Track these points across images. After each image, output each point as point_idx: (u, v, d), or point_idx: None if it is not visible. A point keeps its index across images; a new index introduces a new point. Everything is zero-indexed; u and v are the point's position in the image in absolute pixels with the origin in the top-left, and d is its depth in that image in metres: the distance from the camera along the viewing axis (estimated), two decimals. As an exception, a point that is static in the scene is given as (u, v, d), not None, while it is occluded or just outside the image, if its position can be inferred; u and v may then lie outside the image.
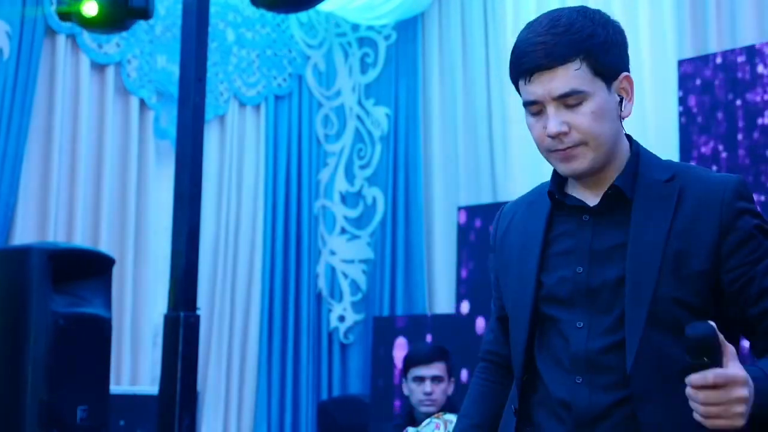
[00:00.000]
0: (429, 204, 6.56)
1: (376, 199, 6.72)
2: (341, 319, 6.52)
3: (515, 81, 1.70)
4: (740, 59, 4.64)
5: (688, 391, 1.40)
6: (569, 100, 1.62)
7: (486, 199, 6.03)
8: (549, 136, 1.64)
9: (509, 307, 1.80)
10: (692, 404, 1.41)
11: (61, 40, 5.40)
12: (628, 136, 1.75)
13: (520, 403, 1.74)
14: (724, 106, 4.68)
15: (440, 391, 3.89)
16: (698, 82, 4.77)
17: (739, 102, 4.62)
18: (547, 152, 1.69)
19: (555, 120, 1.62)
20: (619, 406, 1.63)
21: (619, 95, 1.68)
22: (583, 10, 1.68)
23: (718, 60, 4.71)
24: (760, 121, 4.57)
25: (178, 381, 3.44)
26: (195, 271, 3.61)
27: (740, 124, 4.63)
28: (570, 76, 1.61)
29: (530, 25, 1.71)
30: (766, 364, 1.55)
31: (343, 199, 6.71)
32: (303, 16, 6.52)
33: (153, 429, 3.84)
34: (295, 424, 6.20)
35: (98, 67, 5.62)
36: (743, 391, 1.39)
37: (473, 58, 6.36)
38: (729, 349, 1.41)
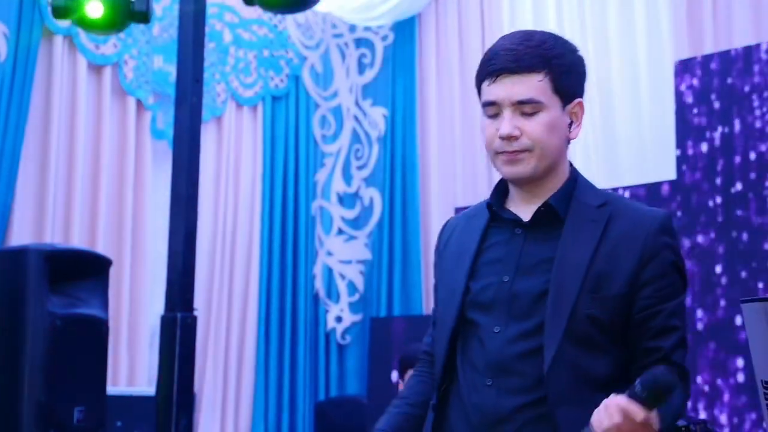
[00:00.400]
0: (426, 205, 6.57)
1: (373, 199, 6.72)
2: (338, 319, 6.52)
3: (479, 82, 1.80)
4: (737, 59, 4.64)
5: (617, 418, 1.52)
6: (526, 107, 1.72)
7: (483, 199, 6.04)
8: (500, 137, 1.73)
9: (439, 312, 1.88)
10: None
11: (58, 40, 5.40)
12: (570, 163, 1.85)
13: (439, 402, 1.81)
14: (720, 107, 4.69)
15: None
16: (695, 82, 4.77)
17: (735, 102, 4.63)
18: (494, 154, 1.78)
19: (509, 123, 1.72)
20: (524, 410, 1.69)
21: (570, 118, 1.78)
22: (556, 35, 1.80)
23: (715, 60, 4.72)
24: (757, 122, 4.58)
25: (175, 382, 3.44)
26: (192, 271, 3.61)
27: (737, 124, 4.63)
28: (533, 85, 1.71)
29: (506, 36, 1.81)
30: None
31: (341, 199, 6.71)
32: (300, 16, 6.52)
33: (150, 430, 3.83)
34: (292, 425, 6.20)
35: (95, 68, 5.62)
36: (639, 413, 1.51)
37: (470, 58, 6.36)
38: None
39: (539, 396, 1.68)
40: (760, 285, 4.45)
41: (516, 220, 1.81)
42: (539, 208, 1.78)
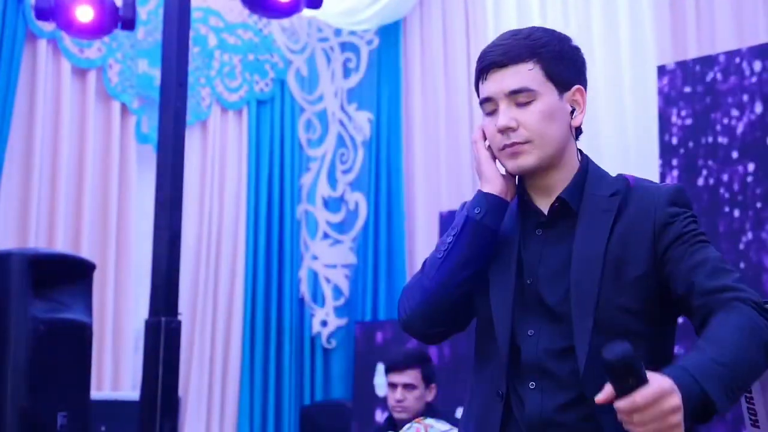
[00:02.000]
0: (411, 209, 6.57)
1: (358, 203, 6.72)
2: (324, 323, 6.51)
3: (477, 85, 1.79)
4: (719, 64, 4.67)
5: (620, 417, 1.42)
6: (520, 97, 1.71)
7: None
8: (499, 131, 1.72)
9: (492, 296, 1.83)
10: (628, 428, 1.42)
11: (42, 44, 5.38)
12: (582, 152, 1.82)
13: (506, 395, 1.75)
14: (703, 112, 4.72)
15: (413, 399, 3.89)
16: (677, 87, 4.80)
17: (717, 107, 4.66)
18: (498, 151, 1.77)
19: (505, 115, 1.71)
20: (567, 410, 1.67)
21: (571, 106, 1.76)
22: (545, 28, 1.79)
23: (698, 65, 4.75)
24: (739, 126, 4.61)
25: (159, 386, 3.43)
26: (176, 276, 3.60)
27: (719, 129, 4.66)
28: (522, 74, 1.71)
29: (497, 37, 1.82)
30: (688, 359, 1.55)
31: (326, 203, 6.71)
32: (285, 21, 6.52)
33: (134, 435, 3.82)
34: (277, 429, 6.19)
35: (79, 72, 5.61)
36: (673, 401, 1.41)
37: (455, 63, 6.38)
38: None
39: (580, 395, 1.65)
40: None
41: (538, 214, 1.78)
42: (553, 204, 1.76)
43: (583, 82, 1.79)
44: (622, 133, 5.45)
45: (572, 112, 1.76)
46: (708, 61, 4.72)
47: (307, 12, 5.87)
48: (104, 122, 5.70)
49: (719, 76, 4.68)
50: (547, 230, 1.77)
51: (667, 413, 1.40)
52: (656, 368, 1.54)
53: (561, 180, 1.77)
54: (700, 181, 4.71)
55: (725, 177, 4.62)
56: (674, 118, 4.82)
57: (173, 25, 3.74)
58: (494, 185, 1.76)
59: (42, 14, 4.12)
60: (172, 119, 3.67)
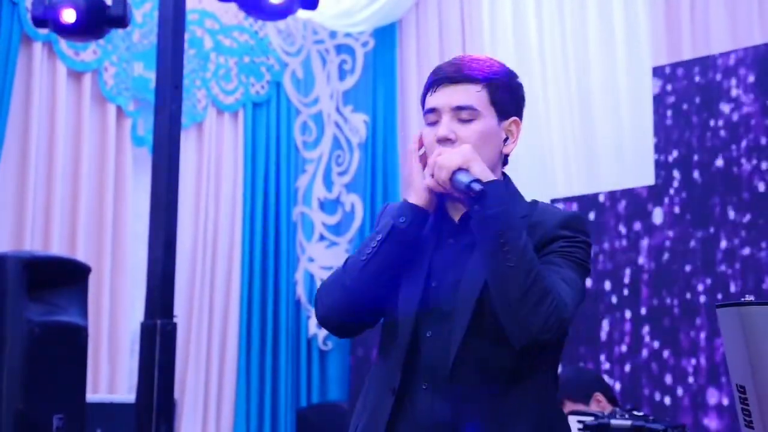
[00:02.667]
0: (407, 210, 6.56)
1: (354, 205, 6.73)
2: (320, 326, 6.50)
3: (424, 96, 1.91)
4: (714, 65, 4.68)
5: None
6: (464, 113, 1.83)
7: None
8: (438, 140, 1.83)
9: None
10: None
11: (38, 47, 5.38)
12: (505, 175, 1.94)
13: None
14: (698, 113, 4.73)
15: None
16: (672, 88, 4.81)
17: (713, 109, 4.67)
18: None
19: (446, 126, 1.83)
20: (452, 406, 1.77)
21: (506, 134, 1.89)
22: (500, 61, 1.94)
23: (693, 66, 4.76)
24: (734, 127, 4.62)
25: (155, 389, 3.43)
26: (172, 278, 3.60)
27: (714, 129, 4.67)
28: (470, 93, 1.83)
29: (454, 57, 1.95)
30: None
31: (322, 205, 6.71)
32: (280, 23, 6.52)
33: (130, 437, 3.82)
34: (273, 431, 6.19)
35: (75, 75, 5.60)
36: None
37: (451, 65, 6.38)
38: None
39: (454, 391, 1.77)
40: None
41: (452, 224, 1.90)
42: (464, 214, 1.86)
43: (520, 115, 1.92)
44: (617, 134, 5.45)
45: (505, 140, 1.88)
46: (703, 62, 4.73)
47: (302, 14, 5.89)
48: (100, 125, 5.70)
49: (714, 77, 4.69)
50: (458, 240, 1.87)
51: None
52: (526, 376, 1.74)
53: None
54: (696, 180, 4.72)
55: (717, 176, 4.63)
56: (669, 119, 4.83)
57: (168, 28, 3.74)
58: (420, 197, 1.85)
59: (38, 21, 4.10)
60: (167, 122, 3.66)
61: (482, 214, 1.72)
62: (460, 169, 1.74)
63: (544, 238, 1.79)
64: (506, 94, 1.87)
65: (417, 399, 1.80)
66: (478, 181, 1.72)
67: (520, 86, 1.92)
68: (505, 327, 1.71)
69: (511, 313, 1.70)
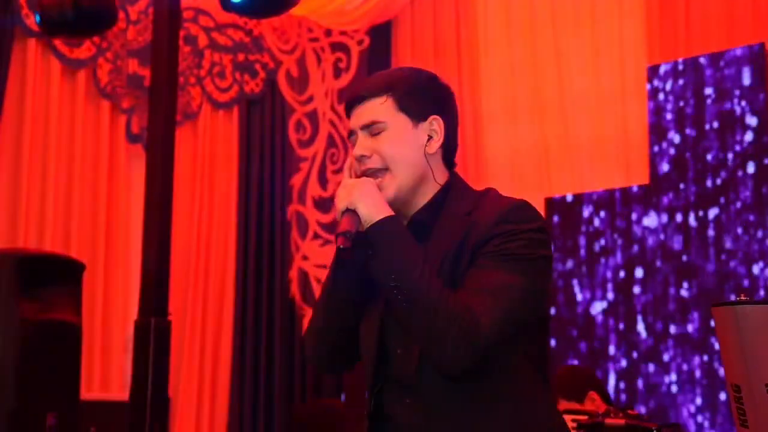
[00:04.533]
0: (402, 209, 6.57)
1: (349, 204, 6.71)
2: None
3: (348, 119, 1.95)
4: (709, 65, 4.69)
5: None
6: (373, 128, 1.87)
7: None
8: (356, 159, 1.88)
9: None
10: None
11: (32, 43, 5.36)
12: (452, 173, 1.93)
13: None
14: (693, 111, 4.73)
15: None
16: (668, 87, 4.81)
17: (708, 107, 4.68)
18: (361, 176, 1.88)
19: (359, 145, 1.88)
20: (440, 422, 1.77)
21: (428, 134, 1.88)
22: (411, 68, 1.97)
23: (688, 66, 4.76)
24: (729, 126, 4.63)
25: (149, 387, 3.43)
26: (166, 277, 3.60)
27: (710, 128, 4.68)
28: (375, 108, 1.87)
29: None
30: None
31: (316, 204, 6.70)
32: (275, 20, 6.51)
33: (124, 436, 3.81)
34: (268, 430, 6.18)
35: (69, 71, 5.59)
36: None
37: (445, 63, 6.38)
38: None
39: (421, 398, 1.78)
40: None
41: None
42: (408, 224, 1.85)
43: (443, 112, 1.90)
44: (611, 133, 5.45)
45: (429, 140, 1.88)
46: (698, 62, 4.74)
47: (297, 12, 5.87)
48: (94, 122, 5.68)
49: (709, 76, 4.69)
50: None
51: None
52: (492, 375, 1.72)
53: (422, 200, 1.87)
54: (691, 179, 4.72)
55: (713, 175, 4.64)
56: (665, 118, 4.83)
57: (163, 25, 3.73)
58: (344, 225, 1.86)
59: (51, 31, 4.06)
60: (162, 119, 3.66)
61: (369, 259, 1.71)
62: (347, 210, 1.74)
63: (480, 239, 1.76)
64: (416, 97, 1.88)
65: (393, 411, 1.81)
66: (345, 233, 1.69)
67: (435, 86, 1.93)
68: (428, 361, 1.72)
69: (424, 349, 1.71)
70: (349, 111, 1.92)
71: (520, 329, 1.75)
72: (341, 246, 1.69)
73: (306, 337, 1.97)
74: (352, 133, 1.91)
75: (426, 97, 1.90)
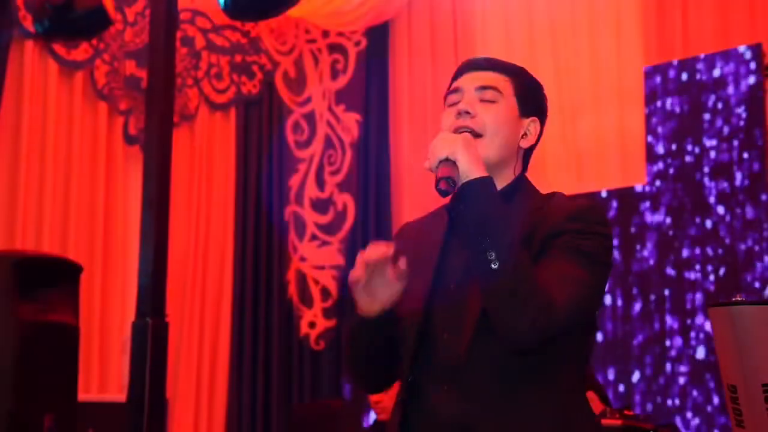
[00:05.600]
0: (399, 210, 6.58)
1: (346, 205, 6.72)
2: (312, 325, 6.51)
3: (451, 83, 1.91)
4: (704, 66, 4.70)
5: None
6: (487, 94, 1.85)
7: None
8: (458, 112, 1.83)
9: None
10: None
11: (29, 45, 5.36)
12: (522, 172, 1.92)
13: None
14: (689, 112, 4.74)
15: (389, 398, 3.91)
16: (664, 88, 4.82)
17: (703, 108, 4.68)
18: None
19: (467, 101, 1.84)
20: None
21: (525, 129, 1.89)
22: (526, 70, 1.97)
23: (684, 67, 4.77)
24: (725, 127, 4.63)
25: (146, 388, 3.42)
26: (163, 277, 3.59)
27: (705, 129, 4.68)
28: (496, 78, 1.87)
29: None
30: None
31: (314, 205, 6.70)
32: (272, 22, 6.51)
33: (122, 437, 3.81)
34: (266, 431, 6.18)
35: (67, 73, 5.59)
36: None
37: (442, 64, 6.38)
38: None
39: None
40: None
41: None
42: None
43: (542, 119, 1.93)
44: (608, 134, 5.46)
45: (523, 135, 1.89)
46: (694, 63, 4.74)
47: (294, 13, 5.87)
48: (91, 123, 5.68)
49: (705, 77, 4.70)
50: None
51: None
52: (540, 375, 1.69)
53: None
54: (686, 179, 4.73)
55: (710, 175, 4.64)
56: (660, 119, 4.84)
57: (160, 26, 3.73)
58: (366, 312, 1.88)
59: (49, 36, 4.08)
60: (159, 120, 3.65)
61: (460, 214, 1.68)
62: (447, 159, 1.68)
63: (551, 231, 1.74)
64: (531, 93, 1.90)
65: (431, 398, 1.77)
66: (448, 179, 1.66)
67: (543, 94, 1.95)
68: (496, 329, 1.68)
69: (498, 316, 1.67)
70: (462, 72, 1.89)
71: (575, 329, 1.75)
72: (443, 188, 1.65)
73: (347, 370, 1.97)
74: (456, 90, 1.88)
75: (536, 98, 1.93)
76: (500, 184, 1.83)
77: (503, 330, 1.67)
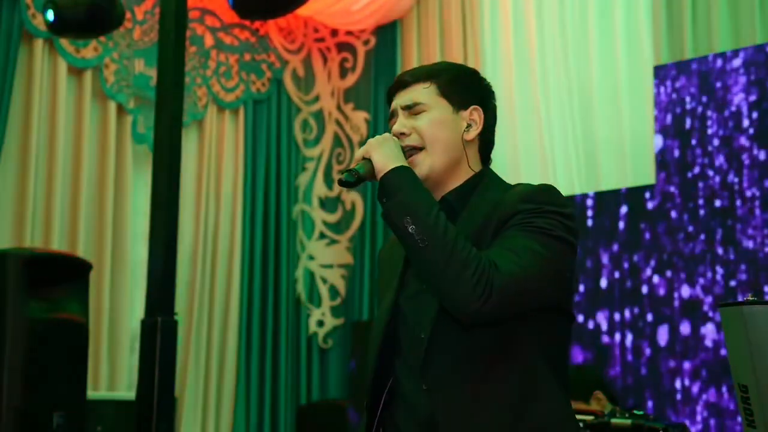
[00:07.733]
0: (408, 208, 6.57)
1: (355, 204, 6.72)
2: (320, 323, 6.51)
3: (388, 105, 2.02)
4: (715, 65, 4.68)
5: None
6: (413, 109, 1.94)
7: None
8: (394, 135, 1.92)
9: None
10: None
11: (39, 44, 5.37)
12: (484, 165, 1.99)
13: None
14: (699, 112, 4.72)
15: None
16: (674, 87, 4.81)
17: (714, 108, 4.67)
18: None
19: (399, 123, 1.94)
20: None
21: (468, 123, 1.95)
22: (455, 63, 2.07)
23: (694, 66, 4.76)
24: (735, 126, 4.62)
25: (155, 386, 3.43)
26: (173, 276, 3.59)
27: (715, 128, 4.67)
28: (418, 91, 1.95)
29: None
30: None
31: (322, 203, 6.71)
32: (281, 20, 6.52)
33: (130, 435, 3.81)
34: (273, 430, 6.19)
35: (76, 72, 5.60)
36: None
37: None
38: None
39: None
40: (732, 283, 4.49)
41: None
42: (439, 202, 1.89)
43: (483, 105, 1.98)
44: (618, 133, 5.45)
45: (468, 128, 1.95)
46: (704, 62, 4.73)
47: (303, 12, 5.88)
48: (100, 122, 5.69)
49: (715, 76, 4.69)
50: None
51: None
52: (505, 361, 1.74)
53: (451, 186, 1.93)
54: (697, 179, 4.72)
55: (719, 176, 4.63)
56: (670, 118, 4.83)
57: (170, 25, 3.73)
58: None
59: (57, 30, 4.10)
60: (168, 119, 3.66)
61: (385, 209, 1.75)
62: (363, 159, 1.83)
63: (505, 214, 1.79)
64: (458, 86, 1.96)
65: (411, 397, 1.84)
66: (346, 171, 1.80)
67: (477, 80, 2.01)
68: (445, 306, 1.73)
69: (440, 290, 1.71)
70: (391, 96, 2.00)
71: (539, 315, 1.77)
72: (341, 180, 1.80)
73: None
74: (392, 114, 1.98)
75: (468, 88, 1.98)
76: (456, 182, 1.92)
77: (449, 303, 1.71)
